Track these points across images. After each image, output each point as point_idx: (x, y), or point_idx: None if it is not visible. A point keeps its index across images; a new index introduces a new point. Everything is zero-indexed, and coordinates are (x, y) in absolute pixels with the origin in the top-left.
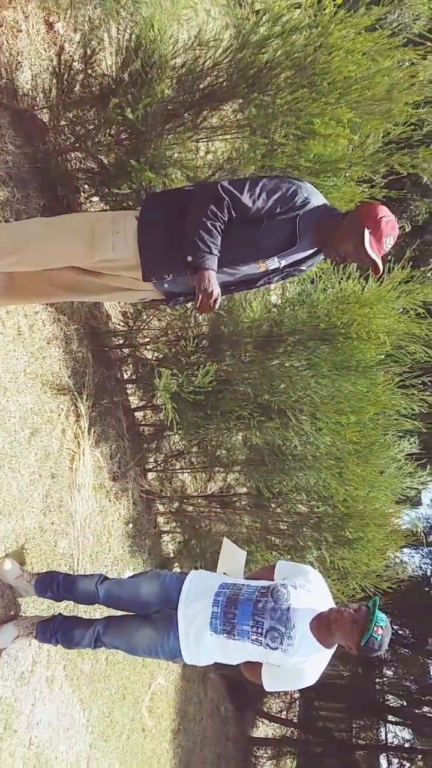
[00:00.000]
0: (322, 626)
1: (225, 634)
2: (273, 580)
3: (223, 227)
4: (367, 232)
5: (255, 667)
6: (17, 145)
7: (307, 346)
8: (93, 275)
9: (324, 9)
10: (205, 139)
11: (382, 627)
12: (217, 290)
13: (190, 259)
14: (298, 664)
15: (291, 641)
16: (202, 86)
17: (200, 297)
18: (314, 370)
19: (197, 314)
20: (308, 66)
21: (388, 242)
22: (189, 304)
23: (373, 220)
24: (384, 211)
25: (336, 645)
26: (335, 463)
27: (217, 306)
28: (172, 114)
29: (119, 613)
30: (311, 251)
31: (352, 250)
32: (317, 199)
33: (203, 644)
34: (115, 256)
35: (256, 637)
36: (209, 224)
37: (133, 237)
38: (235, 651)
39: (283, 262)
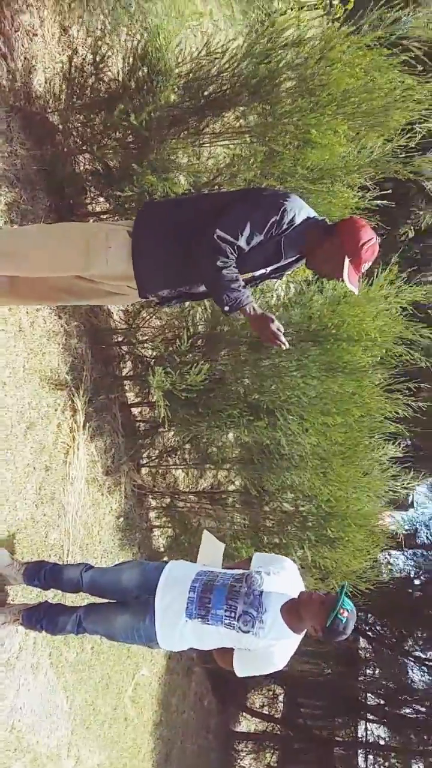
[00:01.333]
0: (293, 610)
1: (200, 619)
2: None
3: (234, 266)
4: (346, 261)
5: (227, 653)
6: (27, 148)
7: (297, 347)
8: (90, 281)
9: (331, 21)
10: (207, 144)
11: (348, 610)
12: (267, 319)
13: (227, 309)
14: (268, 648)
15: (262, 624)
16: (206, 93)
17: (265, 337)
18: (303, 370)
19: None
20: (309, 77)
21: (366, 266)
22: (186, 303)
23: (353, 247)
24: (366, 235)
25: (305, 630)
26: (320, 463)
27: (278, 327)
28: (177, 119)
29: (102, 600)
30: (295, 258)
31: (331, 272)
32: (303, 213)
33: (178, 629)
34: (109, 271)
35: (229, 621)
36: (224, 273)
37: (126, 254)
38: (209, 636)
39: (269, 269)
